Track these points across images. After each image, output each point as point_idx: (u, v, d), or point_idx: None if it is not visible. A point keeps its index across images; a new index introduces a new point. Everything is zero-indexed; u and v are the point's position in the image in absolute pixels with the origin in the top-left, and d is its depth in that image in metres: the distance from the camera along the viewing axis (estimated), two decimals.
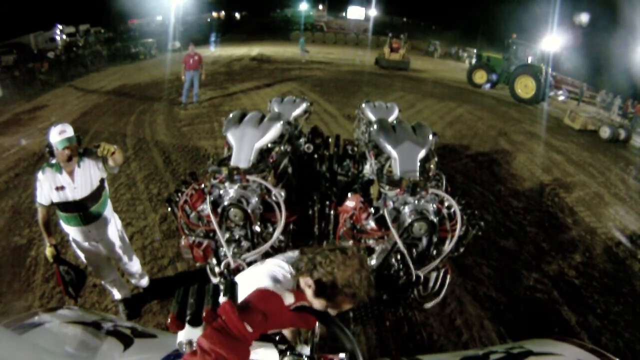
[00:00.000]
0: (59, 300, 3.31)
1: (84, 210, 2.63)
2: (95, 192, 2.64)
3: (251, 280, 1.23)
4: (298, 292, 0.90)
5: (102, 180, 2.71)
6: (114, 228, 2.89)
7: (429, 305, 2.60)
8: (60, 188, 2.52)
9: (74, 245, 2.82)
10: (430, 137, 2.96)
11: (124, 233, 3.05)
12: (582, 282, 3.94)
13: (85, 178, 2.58)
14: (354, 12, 32.36)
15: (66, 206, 2.58)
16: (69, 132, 2.43)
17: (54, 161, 2.52)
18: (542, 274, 4.01)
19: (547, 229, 4.97)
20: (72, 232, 2.72)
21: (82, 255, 2.86)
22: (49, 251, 2.62)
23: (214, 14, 34.98)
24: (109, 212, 2.82)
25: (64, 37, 17.84)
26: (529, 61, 13.59)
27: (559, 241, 4.75)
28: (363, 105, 3.98)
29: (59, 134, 2.39)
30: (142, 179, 5.52)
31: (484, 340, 3.01)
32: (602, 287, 3.94)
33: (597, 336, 3.29)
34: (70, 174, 2.54)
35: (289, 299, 0.83)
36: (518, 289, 3.76)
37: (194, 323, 1.05)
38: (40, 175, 2.51)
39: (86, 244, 2.79)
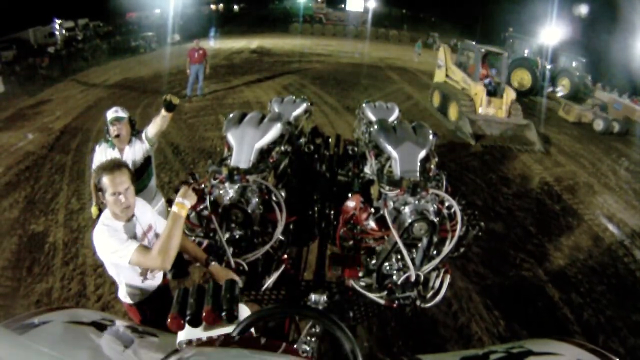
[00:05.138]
0: (79, 281, 3.55)
1: None
2: (139, 168, 3.01)
3: None
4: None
5: (147, 159, 3.11)
6: (156, 202, 3.24)
7: (428, 305, 2.59)
8: None
9: None
10: (431, 137, 3.00)
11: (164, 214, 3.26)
12: (567, 263, 4.20)
13: (133, 156, 2.99)
14: (353, 4, 32.16)
15: None
16: (121, 113, 2.89)
17: (110, 138, 2.94)
18: (528, 254, 4.28)
19: (535, 214, 5.22)
20: None
21: None
22: (94, 209, 3.03)
23: (212, 7, 34.73)
24: (152, 186, 3.23)
25: (63, 31, 17.79)
26: (525, 54, 13.72)
27: (546, 225, 5.00)
28: (363, 105, 3.98)
29: (112, 112, 2.87)
30: None
31: (472, 311, 3.28)
32: (586, 268, 4.19)
33: (580, 312, 3.54)
34: (121, 151, 2.97)
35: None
36: (504, 267, 4.02)
37: (194, 323, 1.06)
38: (97, 147, 3.01)
39: None
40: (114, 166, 1.82)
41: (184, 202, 1.79)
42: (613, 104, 10.35)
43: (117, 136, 2.87)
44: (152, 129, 3.00)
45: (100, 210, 3.06)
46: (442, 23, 32.75)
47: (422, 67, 16.05)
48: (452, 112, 8.46)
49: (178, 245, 1.75)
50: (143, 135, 3.02)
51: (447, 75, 9.49)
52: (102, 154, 2.95)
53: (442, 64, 9.74)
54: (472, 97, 8.20)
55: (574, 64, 13.09)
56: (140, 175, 3.02)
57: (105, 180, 1.78)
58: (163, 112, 2.92)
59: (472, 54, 9.09)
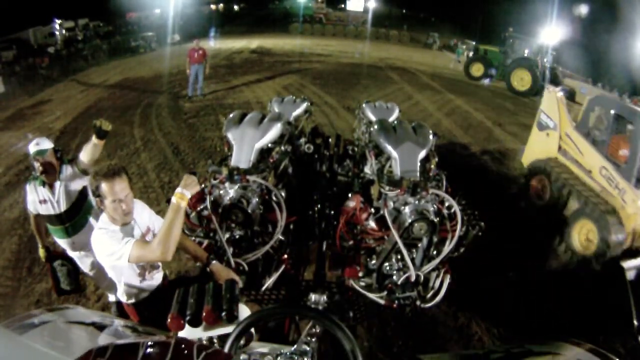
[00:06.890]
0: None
1: (67, 223, 2.69)
2: (75, 203, 2.68)
3: None
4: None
5: (83, 191, 2.73)
6: None
7: (428, 305, 2.59)
8: (42, 201, 2.61)
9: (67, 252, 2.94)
10: (431, 137, 3.00)
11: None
12: (567, 260, 4.20)
13: (66, 191, 2.63)
14: (353, 4, 32.14)
15: (49, 219, 2.68)
16: (42, 145, 2.49)
17: (36, 175, 2.58)
18: (527, 252, 4.27)
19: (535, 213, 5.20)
20: (60, 242, 2.85)
21: (77, 262, 2.97)
22: (41, 252, 2.80)
23: (212, 7, 34.74)
24: (93, 222, 2.76)
25: (63, 31, 17.77)
26: (525, 54, 13.72)
27: (545, 223, 4.99)
28: (363, 105, 3.97)
29: (34, 145, 2.48)
30: (152, 169, 5.77)
31: (472, 311, 3.26)
32: (587, 267, 4.19)
33: (581, 314, 3.54)
34: (51, 187, 2.60)
35: None
36: (503, 265, 4.00)
37: (194, 323, 1.07)
38: (27, 186, 2.64)
39: (75, 253, 2.88)
40: (113, 173, 1.77)
41: (184, 193, 1.72)
42: (580, 89, 10.74)
43: (43, 172, 2.51)
44: (84, 158, 2.61)
45: (49, 252, 2.84)
46: (442, 23, 32.73)
47: (421, 68, 16.04)
48: (581, 236, 4.24)
49: (179, 237, 1.72)
50: (75, 165, 2.65)
51: (560, 149, 4.96)
52: (32, 193, 2.60)
53: (554, 125, 5.02)
54: (621, 214, 3.89)
55: (545, 58, 13.43)
56: (77, 213, 2.69)
57: (105, 187, 1.74)
58: (94, 139, 2.53)
59: (602, 113, 4.64)
